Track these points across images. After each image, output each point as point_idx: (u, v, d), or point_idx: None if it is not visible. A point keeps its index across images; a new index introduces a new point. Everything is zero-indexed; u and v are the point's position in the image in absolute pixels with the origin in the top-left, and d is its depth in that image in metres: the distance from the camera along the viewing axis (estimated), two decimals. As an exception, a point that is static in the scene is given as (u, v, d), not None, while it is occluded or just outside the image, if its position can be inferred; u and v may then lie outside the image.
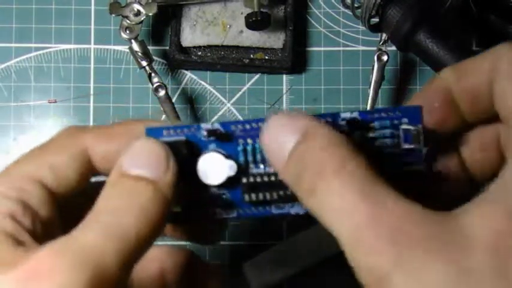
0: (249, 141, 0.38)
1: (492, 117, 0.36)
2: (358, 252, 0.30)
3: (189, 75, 0.61)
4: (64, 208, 0.37)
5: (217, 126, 0.38)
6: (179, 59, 0.59)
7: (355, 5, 0.56)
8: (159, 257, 0.43)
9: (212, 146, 0.39)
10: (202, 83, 0.61)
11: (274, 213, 0.39)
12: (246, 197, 0.38)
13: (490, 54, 0.35)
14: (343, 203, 0.31)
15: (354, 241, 0.30)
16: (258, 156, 0.39)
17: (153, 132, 0.38)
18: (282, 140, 0.34)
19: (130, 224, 0.33)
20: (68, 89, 0.60)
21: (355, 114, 0.38)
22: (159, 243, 0.43)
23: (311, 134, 0.33)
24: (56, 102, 0.60)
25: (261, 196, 0.38)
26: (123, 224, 0.33)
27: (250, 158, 0.39)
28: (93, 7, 0.61)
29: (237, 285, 0.56)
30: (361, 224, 0.30)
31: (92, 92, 0.60)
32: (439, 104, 0.37)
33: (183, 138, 0.38)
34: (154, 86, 0.57)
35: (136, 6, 0.57)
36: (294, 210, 0.39)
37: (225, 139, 0.39)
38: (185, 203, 0.39)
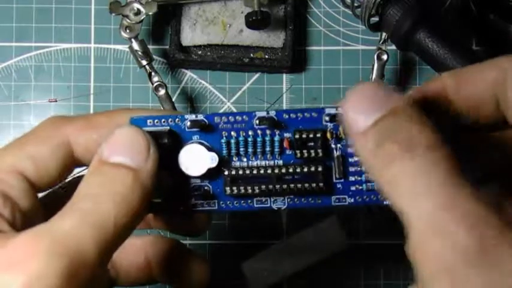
0: (233, 133, 0.39)
1: (493, 124, 0.36)
2: (429, 237, 0.28)
3: (189, 74, 0.61)
4: (51, 202, 0.37)
5: (201, 117, 0.39)
6: (179, 58, 0.59)
7: (355, 4, 0.56)
8: (144, 247, 0.43)
9: (195, 137, 0.39)
10: (202, 82, 0.61)
11: (256, 207, 0.40)
12: (228, 190, 0.38)
13: (493, 65, 0.35)
14: (424, 183, 0.29)
15: (427, 225, 0.29)
16: (241, 149, 0.39)
17: (137, 122, 0.38)
18: (368, 107, 0.32)
19: (108, 211, 0.33)
20: (68, 88, 0.60)
21: (340, 110, 0.38)
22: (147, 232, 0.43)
23: (402, 108, 0.32)
24: (56, 101, 0.60)
25: (242, 189, 0.38)
26: (102, 211, 0.33)
27: (233, 151, 0.39)
28: (93, 6, 0.61)
29: (236, 285, 0.56)
30: (438, 209, 0.28)
31: (92, 91, 0.60)
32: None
33: (166, 128, 0.39)
34: (155, 85, 0.57)
35: (137, 6, 0.57)
36: (276, 205, 0.40)
37: (208, 131, 0.39)
38: (166, 194, 0.39)
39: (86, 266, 0.31)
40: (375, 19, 0.55)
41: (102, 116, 0.40)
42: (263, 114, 0.39)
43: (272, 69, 0.60)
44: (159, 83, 0.57)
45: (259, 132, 0.39)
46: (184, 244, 0.44)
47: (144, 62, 0.57)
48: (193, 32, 0.59)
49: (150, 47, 0.59)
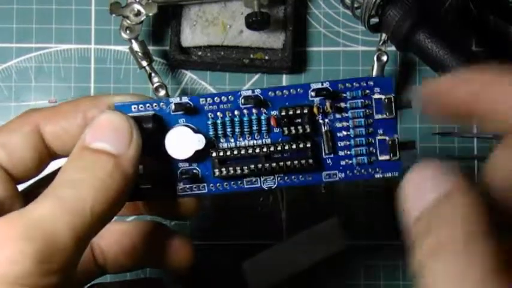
0: (219, 114, 0.39)
1: None
2: None
3: (189, 75, 0.61)
4: (34, 196, 0.37)
5: (185, 99, 0.39)
6: (179, 59, 0.59)
7: (355, 5, 0.56)
8: (129, 231, 0.43)
9: (181, 120, 0.39)
10: (203, 83, 0.61)
11: (246, 188, 0.39)
12: (217, 172, 0.38)
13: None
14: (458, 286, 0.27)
15: None
16: (229, 130, 0.39)
17: (121, 108, 0.38)
18: (424, 189, 0.30)
19: (86, 197, 0.33)
20: (68, 89, 0.60)
21: (326, 85, 0.39)
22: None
23: (454, 193, 0.29)
24: (56, 102, 0.60)
25: (231, 170, 0.38)
26: (79, 197, 0.33)
27: (220, 132, 0.39)
28: (93, 7, 0.61)
29: (236, 285, 0.56)
30: None
31: (92, 92, 0.60)
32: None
33: (151, 112, 0.38)
34: (155, 86, 0.57)
35: (137, 7, 0.57)
36: (266, 184, 0.39)
37: (194, 113, 0.39)
38: (155, 179, 0.39)
39: (60, 251, 0.31)
40: (375, 20, 0.55)
41: (67, 104, 0.40)
42: (248, 93, 0.38)
43: (272, 70, 0.60)
44: (159, 83, 0.57)
45: (245, 111, 0.39)
46: (167, 225, 0.44)
47: (144, 63, 0.57)
48: (193, 33, 0.59)
49: (150, 48, 0.59)
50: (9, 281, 0.30)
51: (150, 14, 0.57)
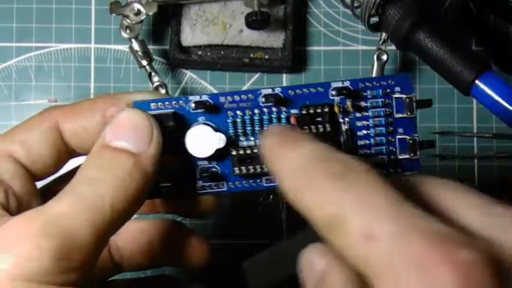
0: (239, 113, 0.38)
1: None
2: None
3: (189, 74, 0.61)
4: (53, 193, 0.37)
5: (205, 97, 0.38)
6: (179, 58, 0.59)
7: (355, 5, 0.56)
8: (146, 230, 0.43)
9: (201, 118, 0.38)
10: (203, 82, 0.61)
11: (266, 187, 0.39)
12: (236, 170, 0.38)
13: None
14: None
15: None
16: (248, 128, 0.39)
17: (140, 105, 0.38)
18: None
19: (105, 195, 0.33)
20: (68, 88, 0.60)
21: (347, 83, 0.38)
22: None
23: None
24: (56, 101, 0.60)
25: (251, 169, 0.38)
26: (98, 195, 0.33)
27: (240, 130, 0.39)
28: (93, 6, 0.61)
29: (236, 285, 0.56)
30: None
31: (92, 91, 0.60)
32: None
33: (171, 110, 0.38)
34: (155, 85, 0.57)
35: (137, 6, 0.57)
36: None
37: (214, 111, 0.38)
38: (175, 178, 0.39)
39: (78, 248, 0.31)
40: (375, 19, 0.55)
41: (86, 102, 0.40)
42: (268, 91, 0.38)
43: (272, 70, 0.60)
44: (159, 83, 0.57)
45: (265, 110, 0.38)
46: (184, 224, 0.44)
47: (144, 62, 0.57)
48: (193, 32, 0.59)
49: (150, 47, 0.59)
50: (27, 278, 0.30)
51: (150, 13, 0.57)
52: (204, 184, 0.39)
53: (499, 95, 0.50)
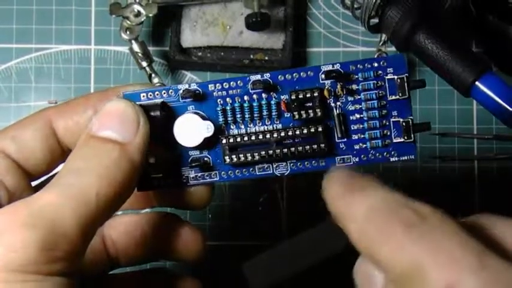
0: (228, 100, 0.38)
1: None
2: None
3: (189, 75, 0.61)
4: None
5: (194, 86, 0.38)
6: (179, 60, 0.59)
7: (355, 6, 0.56)
8: (140, 222, 0.43)
9: (191, 107, 0.38)
10: (202, 83, 0.61)
11: (258, 175, 0.39)
12: (227, 159, 0.38)
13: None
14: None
15: None
16: (238, 116, 0.38)
17: (130, 96, 0.38)
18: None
19: (91, 185, 0.33)
20: (68, 90, 0.60)
21: (337, 66, 0.38)
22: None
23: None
24: (56, 102, 0.60)
25: (242, 157, 0.38)
26: (84, 185, 0.32)
27: (230, 118, 0.38)
28: (93, 8, 0.61)
29: (236, 286, 0.56)
30: None
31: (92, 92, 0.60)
32: None
33: (159, 100, 0.38)
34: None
35: (137, 7, 0.57)
36: (279, 171, 0.39)
37: (203, 100, 0.38)
38: (166, 168, 0.39)
39: (64, 238, 0.31)
40: (375, 21, 0.55)
41: (78, 99, 0.40)
42: (257, 77, 0.38)
43: (272, 71, 0.60)
44: (159, 84, 0.57)
45: (255, 96, 0.38)
46: (179, 216, 0.44)
47: (144, 64, 0.57)
48: (193, 34, 0.59)
49: (151, 48, 0.59)
50: (12, 268, 0.30)
51: (150, 15, 0.57)
52: (196, 174, 0.39)
53: (499, 96, 0.50)
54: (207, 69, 0.61)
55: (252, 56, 0.60)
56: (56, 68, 0.60)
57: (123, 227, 0.42)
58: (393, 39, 0.55)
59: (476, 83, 0.50)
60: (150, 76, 0.57)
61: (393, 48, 0.56)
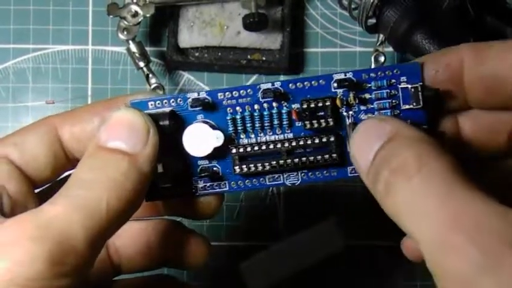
0: (238, 109, 0.37)
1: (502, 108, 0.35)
2: (441, 256, 0.28)
3: (186, 76, 0.61)
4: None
5: (203, 95, 0.37)
6: (177, 60, 0.59)
7: (352, 6, 0.56)
8: (145, 230, 0.42)
9: (200, 116, 0.38)
10: (200, 83, 0.61)
11: (268, 185, 0.38)
12: (237, 169, 0.37)
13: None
14: (424, 204, 0.29)
15: (436, 245, 0.28)
16: (248, 125, 0.37)
17: (137, 105, 0.37)
18: (368, 143, 0.32)
19: (100, 197, 0.32)
20: (65, 90, 0.60)
21: (349, 75, 0.37)
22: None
23: (397, 135, 0.32)
24: (53, 103, 0.60)
25: (252, 167, 0.37)
26: (93, 197, 0.32)
27: (240, 128, 0.38)
28: (90, 8, 0.61)
29: (235, 285, 0.56)
30: (443, 227, 0.28)
31: (89, 93, 0.60)
32: (445, 77, 0.35)
33: (168, 109, 0.37)
34: (152, 86, 0.57)
35: (134, 8, 0.57)
36: (289, 181, 0.38)
37: (212, 108, 0.37)
38: (175, 178, 0.38)
39: (73, 252, 0.30)
40: (372, 21, 0.55)
41: (85, 107, 0.40)
42: (268, 86, 0.37)
43: (269, 71, 0.60)
44: (156, 84, 0.57)
45: (265, 105, 0.37)
46: (184, 224, 0.44)
47: (141, 64, 0.57)
48: (190, 34, 0.59)
49: (148, 48, 0.59)
50: (19, 283, 0.29)
51: (148, 15, 0.57)
52: (205, 184, 0.38)
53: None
54: (204, 70, 0.60)
55: (249, 57, 0.60)
56: (53, 68, 0.60)
57: (127, 235, 0.42)
58: (391, 40, 0.55)
59: (474, 83, 0.50)
60: (147, 76, 0.57)
61: (390, 49, 0.56)
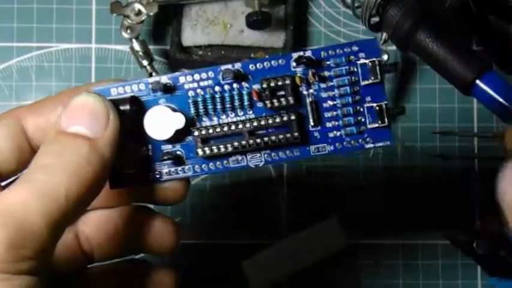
0: (199, 91, 0.37)
1: None
2: None
3: (189, 74, 0.61)
4: None
5: (165, 79, 0.37)
6: (180, 59, 0.59)
7: (356, 5, 0.56)
8: (112, 217, 0.42)
9: (162, 101, 0.37)
10: (203, 82, 0.61)
11: (232, 168, 0.38)
12: (200, 151, 0.37)
13: None
14: None
15: None
16: (210, 107, 0.37)
17: (100, 92, 0.37)
18: None
19: (59, 182, 0.32)
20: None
21: (308, 53, 0.37)
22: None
23: None
24: (57, 101, 0.60)
25: (215, 149, 0.37)
26: (52, 182, 0.32)
27: (201, 110, 0.37)
28: (94, 6, 0.61)
29: (236, 284, 0.56)
30: None
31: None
32: None
33: (129, 94, 0.37)
34: (155, 85, 0.57)
35: (137, 6, 0.57)
36: (253, 162, 0.38)
37: (174, 92, 0.37)
38: (138, 164, 0.38)
39: (32, 237, 0.30)
40: (376, 19, 0.55)
41: (49, 97, 0.39)
42: (228, 66, 0.37)
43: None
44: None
45: (226, 87, 0.37)
46: (150, 207, 0.43)
47: (145, 62, 0.57)
48: (194, 32, 0.59)
49: (151, 47, 0.59)
50: None
51: (151, 14, 0.57)
52: (169, 169, 0.38)
53: (500, 94, 0.50)
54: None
55: (252, 55, 0.60)
56: (56, 66, 0.60)
57: (96, 222, 0.41)
58: (394, 38, 0.54)
59: (477, 81, 0.50)
60: (150, 75, 0.57)
61: (394, 47, 0.56)
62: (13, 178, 0.40)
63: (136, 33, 0.57)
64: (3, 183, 0.38)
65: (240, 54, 0.60)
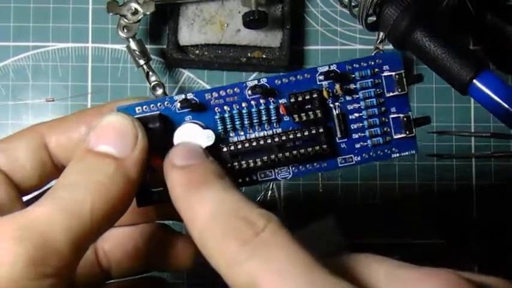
0: (226, 108, 0.37)
1: None
2: None
3: (186, 73, 0.61)
4: None
5: (191, 96, 0.37)
6: (177, 58, 0.59)
7: (352, 4, 0.56)
8: (132, 234, 0.42)
9: (188, 117, 0.37)
10: (200, 81, 0.61)
11: (261, 181, 0.38)
12: (229, 167, 0.37)
13: None
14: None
15: None
16: (237, 123, 0.38)
17: (124, 110, 0.37)
18: None
19: (85, 200, 0.32)
20: (65, 88, 0.60)
21: (333, 67, 0.37)
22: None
23: None
24: (53, 100, 0.60)
25: (244, 164, 0.37)
26: (78, 200, 0.32)
27: (229, 126, 0.38)
28: (90, 6, 0.61)
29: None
30: None
31: (89, 90, 0.60)
32: None
33: (156, 112, 0.37)
34: (152, 84, 0.57)
35: (134, 5, 0.57)
36: (281, 175, 0.38)
37: (200, 109, 0.37)
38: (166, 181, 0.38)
39: (54, 254, 0.30)
40: (372, 18, 0.55)
41: (72, 115, 0.39)
42: (254, 83, 0.37)
43: (269, 69, 0.60)
44: (156, 82, 0.57)
45: (252, 102, 0.37)
46: (170, 226, 0.43)
47: (141, 62, 0.57)
48: (190, 32, 0.59)
49: (148, 46, 0.59)
50: (0, 283, 0.29)
51: (148, 13, 0.57)
52: None
53: (497, 94, 0.50)
54: (204, 68, 0.61)
55: (249, 54, 0.60)
56: (53, 66, 0.60)
57: (116, 239, 0.42)
58: (390, 37, 0.55)
59: (474, 81, 0.50)
60: (147, 74, 0.57)
61: (391, 46, 0.56)
62: (35, 193, 0.40)
63: (133, 32, 0.57)
64: (25, 198, 0.38)
65: (236, 53, 0.60)
